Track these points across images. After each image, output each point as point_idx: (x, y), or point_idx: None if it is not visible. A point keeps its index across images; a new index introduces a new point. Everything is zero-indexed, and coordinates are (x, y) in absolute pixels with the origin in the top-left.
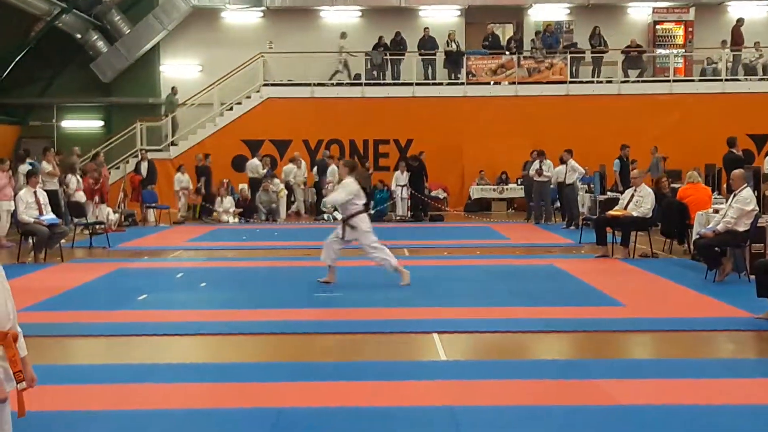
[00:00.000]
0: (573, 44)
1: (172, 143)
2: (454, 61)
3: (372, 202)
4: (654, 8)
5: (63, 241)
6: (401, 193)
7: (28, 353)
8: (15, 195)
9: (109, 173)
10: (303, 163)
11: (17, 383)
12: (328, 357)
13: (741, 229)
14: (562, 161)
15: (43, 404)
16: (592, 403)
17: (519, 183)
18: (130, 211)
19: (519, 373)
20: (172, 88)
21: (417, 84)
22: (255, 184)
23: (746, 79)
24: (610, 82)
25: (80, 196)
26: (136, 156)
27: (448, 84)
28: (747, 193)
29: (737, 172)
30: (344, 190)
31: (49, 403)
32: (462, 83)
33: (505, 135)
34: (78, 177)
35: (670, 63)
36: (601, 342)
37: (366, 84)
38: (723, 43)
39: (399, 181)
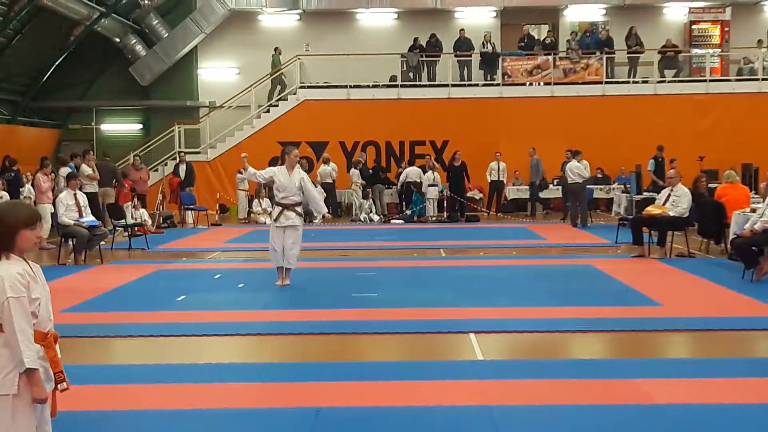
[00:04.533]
0: (609, 39)
1: (210, 146)
2: (489, 62)
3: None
4: (690, 8)
5: (102, 242)
6: (432, 194)
7: (67, 354)
8: (55, 197)
9: (149, 175)
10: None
11: (57, 384)
12: (366, 357)
13: None
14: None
15: (84, 404)
16: (630, 402)
17: (555, 184)
18: (168, 213)
19: (557, 373)
20: (275, 48)
21: (453, 85)
22: None
23: None
24: (646, 82)
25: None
26: (175, 158)
27: (484, 85)
28: None
29: None
30: None
31: (90, 403)
32: (498, 84)
33: (540, 136)
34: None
35: (707, 63)
36: (640, 342)
37: (402, 86)
38: (759, 43)
39: (429, 181)
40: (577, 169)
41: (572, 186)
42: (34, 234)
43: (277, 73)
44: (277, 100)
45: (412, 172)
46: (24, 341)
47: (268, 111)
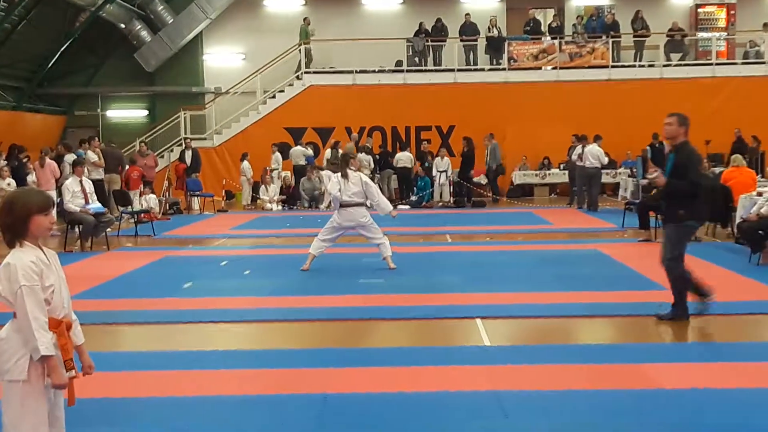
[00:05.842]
0: (615, 23)
1: (216, 132)
2: (495, 46)
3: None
4: None
5: (109, 229)
6: (440, 179)
7: None
8: (61, 185)
9: (156, 162)
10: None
11: (66, 371)
12: (373, 343)
13: None
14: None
15: (91, 391)
16: (636, 387)
17: (561, 168)
18: (174, 200)
19: (564, 357)
20: (305, 18)
21: (458, 70)
22: (299, 171)
23: None
24: (652, 66)
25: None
26: (180, 145)
27: (490, 70)
28: None
29: None
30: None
31: (97, 390)
32: (504, 69)
33: (547, 120)
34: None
35: (713, 46)
36: (645, 326)
37: (408, 70)
38: (765, 26)
39: (439, 167)
40: (598, 153)
41: (590, 170)
42: (48, 219)
43: (302, 46)
44: (283, 86)
45: (402, 158)
46: (38, 329)
47: (273, 97)
